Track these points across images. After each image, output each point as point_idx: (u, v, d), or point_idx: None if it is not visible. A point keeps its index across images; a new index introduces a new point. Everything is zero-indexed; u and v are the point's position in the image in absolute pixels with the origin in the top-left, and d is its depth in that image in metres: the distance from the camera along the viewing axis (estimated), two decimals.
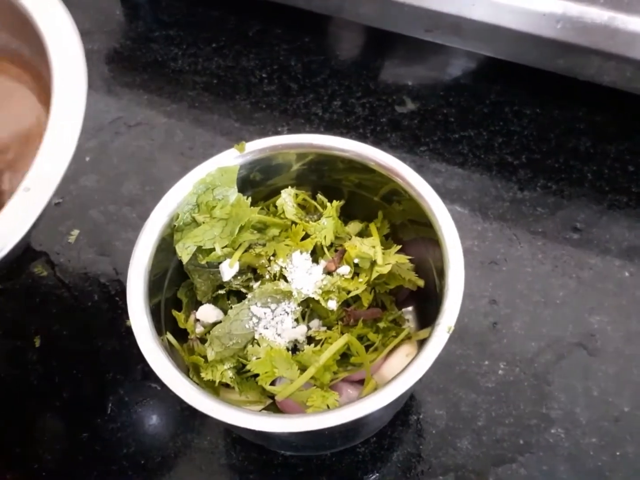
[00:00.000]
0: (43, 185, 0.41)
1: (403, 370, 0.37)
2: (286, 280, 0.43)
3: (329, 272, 0.44)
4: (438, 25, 0.60)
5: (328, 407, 0.39)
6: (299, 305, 0.42)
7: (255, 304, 0.42)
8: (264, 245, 0.44)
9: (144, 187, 0.64)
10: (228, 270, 0.43)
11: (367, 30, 0.73)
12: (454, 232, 0.41)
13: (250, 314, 0.42)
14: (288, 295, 0.42)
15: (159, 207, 0.44)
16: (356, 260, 0.43)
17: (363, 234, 0.48)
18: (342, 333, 0.42)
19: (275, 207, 0.46)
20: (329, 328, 0.43)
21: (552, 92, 0.66)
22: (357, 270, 0.44)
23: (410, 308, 0.50)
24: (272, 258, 0.44)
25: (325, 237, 0.44)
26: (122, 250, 0.61)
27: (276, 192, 0.48)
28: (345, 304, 0.44)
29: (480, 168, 0.63)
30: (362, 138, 0.65)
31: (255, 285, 0.44)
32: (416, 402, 0.51)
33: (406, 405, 0.51)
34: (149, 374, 0.52)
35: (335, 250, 0.45)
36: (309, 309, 0.43)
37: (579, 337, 0.53)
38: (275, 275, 0.43)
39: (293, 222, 0.45)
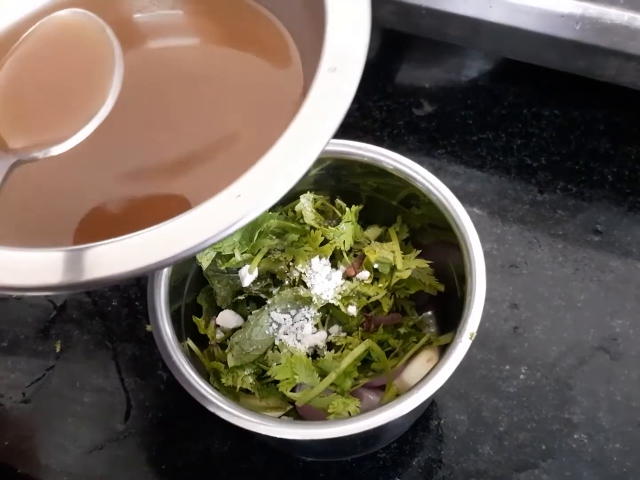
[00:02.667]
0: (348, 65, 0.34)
1: (425, 378, 0.37)
2: (305, 286, 0.43)
3: (348, 278, 0.44)
4: (455, 28, 0.59)
5: (349, 413, 0.39)
6: (318, 311, 0.42)
7: (275, 309, 0.42)
8: (283, 250, 0.44)
9: None
10: (247, 276, 0.43)
11: (384, 32, 0.73)
12: (475, 236, 0.41)
13: (270, 320, 0.42)
14: (308, 301, 0.42)
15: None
16: (376, 266, 0.43)
17: (382, 238, 0.48)
18: (362, 339, 0.42)
19: (294, 212, 0.46)
20: (349, 334, 0.43)
21: (571, 93, 0.65)
22: (376, 276, 0.44)
23: (430, 312, 0.50)
24: (291, 264, 0.44)
25: (344, 242, 0.44)
26: None
27: (295, 197, 0.48)
28: (365, 309, 0.44)
29: (499, 170, 0.62)
30: (379, 141, 0.65)
31: (275, 290, 0.44)
32: (437, 407, 0.51)
33: (427, 411, 0.51)
34: (170, 379, 0.52)
35: (355, 256, 0.45)
36: (329, 314, 0.43)
37: (601, 341, 0.53)
38: (294, 281, 0.43)
39: (312, 228, 0.45)
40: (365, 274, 0.43)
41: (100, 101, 0.34)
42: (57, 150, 0.33)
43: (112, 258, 0.30)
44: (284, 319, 0.42)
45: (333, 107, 0.34)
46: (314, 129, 0.34)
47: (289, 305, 0.42)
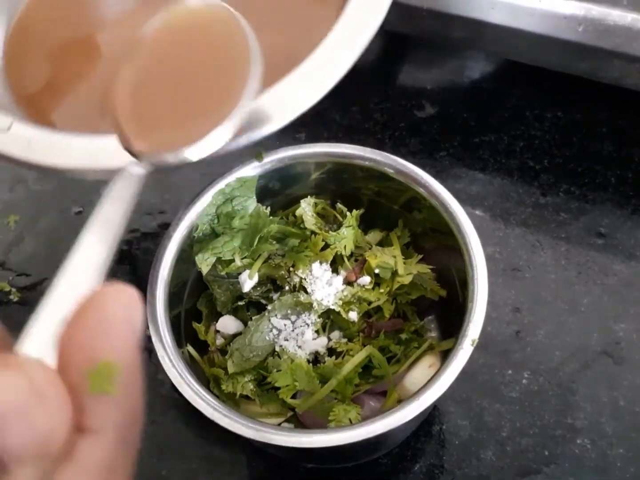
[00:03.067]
0: None
1: (427, 384, 0.36)
2: (306, 292, 0.42)
3: (349, 283, 0.44)
4: (457, 29, 0.59)
5: (350, 421, 0.38)
6: (319, 316, 0.42)
7: (275, 315, 0.42)
8: (284, 255, 0.44)
9: (163, 195, 0.64)
10: (248, 282, 0.43)
11: (385, 34, 0.72)
12: (476, 241, 0.41)
13: (271, 326, 0.42)
14: (308, 306, 0.42)
15: (177, 219, 0.44)
16: (377, 271, 0.43)
17: (383, 243, 0.47)
18: (363, 345, 0.42)
19: (295, 216, 0.46)
20: (350, 340, 0.43)
21: (573, 95, 0.65)
22: (377, 281, 0.44)
23: (432, 317, 0.49)
24: (291, 269, 0.43)
25: (345, 247, 0.44)
26: (142, 259, 0.61)
27: (295, 201, 0.47)
28: (366, 315, 0.43)
29: (501, 173, 0.62)
30: (380, 143, 0.65)
31: (275, 296, 0.44)
32: (439, 413, 0.51)
33: (429, 416, 0.50)
34: (171, 385, 0.52)
35: (356, 260, 0.45)
36: (330, 320, 0.43)
37: (604, 346, 0.52)
38: (294, 286, 0.43)
39: (313, 232, 0.45)
40: (366, 279, 0.43)
41: (235, 102, 0.31)
42: (189, 154, 0.31)
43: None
44: (285, 325, 0.42)
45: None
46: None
47: (289, 311, 0.42)
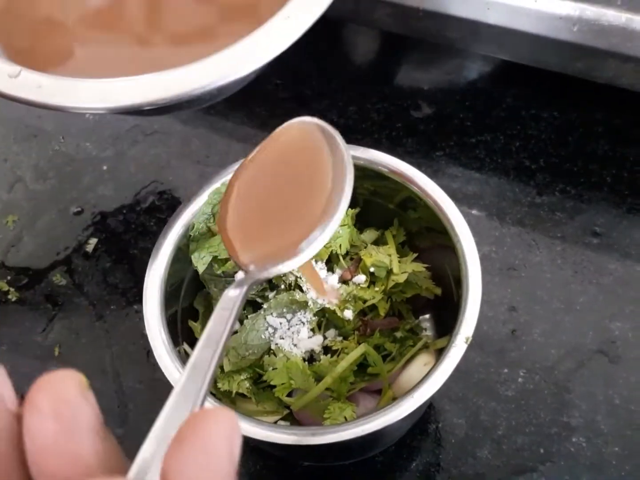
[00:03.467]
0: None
1: (421, 382, 0.37)
2: (302, 290, 0.43)
3: (344, 282, 0.44)
4: (453, 30, 0.59)
5: (345, 418, 0.38)
6: (314, 315, 0.42)
7: (271, 314, 0.42)
8: None
9: (161, 195, 0.64)
10: None
11: (382, 35, 0.73)
12: (470, 240, 0.41)
13: (266, 324, 0.42)
14: (304, 305, 0.42)
15: (174, 218, 0.44)
16: (372, 269, 0.43)
17: (379, 241, 0.47)
18: (358, 343, 0.42)
19: None
20: (345, 338, 0.43)
21: (569, 95, 0.65)
22: (373, 279, 0.44)
23: (427, 315, 0.50)
24: None
25: (340, 245, 0.44)
26: (139, 259, 0.61)
27: None
28: (361, 313, 0.44)
29: (497, 172, 0.62)
30: (377, 143, 0.65)
31: (271, 295, 0.44)
32: (435, 411, 0.51)
33: (425, 414, 0.50)
34: (169, 383, 0.52)
35: (351, 259, 0.45)
36: (325, 318, 0.43)
37: (600, 344, 0.53)
38: (290, 285, 0.43)
39: None
40: (361, 278, 0.43)
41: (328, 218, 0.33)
42: (284, 268, 0.32)
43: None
44: (280, 323, 0.42)
45: None
46: None
47: (285, 310, 0.42)
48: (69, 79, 0.42)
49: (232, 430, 0.19)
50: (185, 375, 0.24)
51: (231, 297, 0.29)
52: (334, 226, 0.32)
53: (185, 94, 0.41)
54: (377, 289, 0.43)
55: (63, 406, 0.19)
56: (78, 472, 0.18)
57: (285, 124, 0.38)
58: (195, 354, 0.25)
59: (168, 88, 0.40)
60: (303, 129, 0.37)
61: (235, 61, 0.41)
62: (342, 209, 0.33)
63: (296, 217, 0.34)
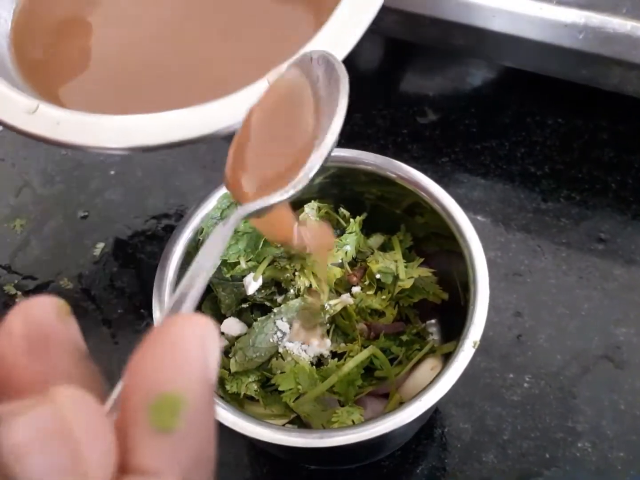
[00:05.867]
0: None
1: (428, 386, 0.37)
2: (315, 296, 0.43)
3: (350, 287, 0.44)
4: (459, 37, 0.60)
5: (353, 422, 0.39)
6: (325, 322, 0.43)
7: (281, 318, 0.42)
8: (289, 258, 0.45)
9: (168, 200, 0.65)
10: (252, 284, 0.43)
11: (387, 41, 0.73)
12: (478, 245, 0.41)
13: (275, 328, 0.42)
14: (317, 311, 0.42)
15: (183, 222, 0.44)
16: (378, 276, 0.43)
17: (386, 246, 0.48)
18: (363, 347, 0.42)
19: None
20: (351, 342, 0.43)
21: (574, 101, 0.66)
22: (380, 285, 0.44)
23: (434, 320, 0.50)
24: (297, 272, 0.44)
25: (347, 252, 0.44)
26: (147, 263, 0.61)
27: (299, 205, 0.48)
28: (367, 316, 0.44)
29: (502, 179, 0.63)
30: (383, 149, 0.65)
31: (280, 299, 0.44)
32: (441, 416, 0.51)
33: (431, 419, 0.51)
34: None
35: (358, 264, 0.45)
36: (333, 324, 0.43)
37: (605, 350, 0.53)
38: (299, 290, 0.43)
39: None
40: (357, 289, 0.44)
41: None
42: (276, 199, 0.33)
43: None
44: (289, 328, 0.42)
45: None
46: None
47: (295, 315, 0.42)
48: (89, 115, 0.41)
49: (206, 335, 0.18)
50: (171, 304, 0.24)
51: (221, 231, 0.30)
52: (318, 163, 0.33)
53: (212, 134, 0.39)
54: (384, 296, 0.44)
55: (36, 328, 0.19)
56: (43, 388, 0.17)
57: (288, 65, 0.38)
58: (183, 283, 0.25)
59: (193, 127, 0.39)
60: (302, 67, 0.37)
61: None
62: (328, 143, 0.34)
63: (289, 153, 0.35)
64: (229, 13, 0.53)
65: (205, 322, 0.18)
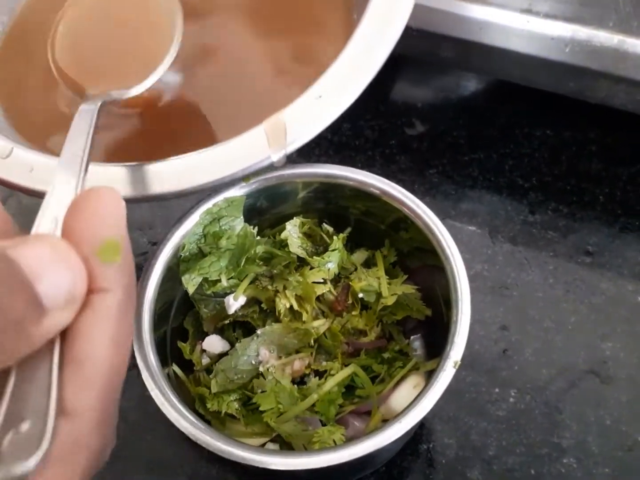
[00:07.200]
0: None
1: (410, 405, 0.37)
2: (300, 319, 0.42)
3: (337, 314, 0.44)
4: (446, 49, 0.60)
5: (334, 442, 0.38)
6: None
7: (264, 340, 0.42)
8: (271, 277, 0.44)
9: (154, 212, 0.64)
10: (233, 304, 0.43)
11: None
12: (460, 263, 0.41)
13: (257, 351, 0.42)
14: (302, 335, 0.42)
15: (165, 238, 0.44)
16: (361, 295, 0.43)
17: (370, 262, 0.48)
18: (344, 365, 0.42)
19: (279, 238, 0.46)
20: (332, 360, 0.43)
21: (562, 113, 0.65)
22: (364, 304, 0.44)
23: (417, 335, 0.49)
24: (278, 293, 0.43)
25: (329, 270, 0.44)
26: None
27: (283, 220, 0.48)
28: (347, 333, 0.44)
29: (490, 191, 0.62)
30: (370, 161, 0.65)
31: (258, 316, 0.44)
32: (426, 431, 0.51)
33: (415, 434, 0.50)
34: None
35: (342, 280, 0.45)
36: (316, 343, 0.43)
37: (591, 364, 0.53)
38: (279, 312, 0.43)
39: (298, 257, 0.45)
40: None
41: (165, 49, 0.39)
42: (132, 92, 0.38)
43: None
44: (272, 350, 0.42)
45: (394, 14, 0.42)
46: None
47: (278, 337, 0.42)
48: None
49: (116, 195, 0.24)
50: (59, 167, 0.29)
51: (87, 110, 0.34)
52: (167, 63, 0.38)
53: (209, 184, 0.39)
54: (368, 318, 0.43)
55: None
56: None
57: None
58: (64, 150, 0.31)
59: (180, 179, 0.38)
60: None
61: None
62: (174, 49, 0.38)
63: (135, 51, 0.39)
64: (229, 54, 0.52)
65: (112, 190, 0.24)
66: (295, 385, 0.41)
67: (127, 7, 0.40)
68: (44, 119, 0.47)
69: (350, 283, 0.43)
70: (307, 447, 0.40)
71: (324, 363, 0.42)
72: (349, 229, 0.48)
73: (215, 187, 0.40)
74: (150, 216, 0.64)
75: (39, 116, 0.48)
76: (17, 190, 0.40)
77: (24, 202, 0.66)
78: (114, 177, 0.39)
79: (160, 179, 0.39)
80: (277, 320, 0.43)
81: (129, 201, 0.38)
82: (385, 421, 0.39)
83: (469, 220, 0.61)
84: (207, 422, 0.41)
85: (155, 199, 0.39)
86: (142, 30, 0.40)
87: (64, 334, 0.23)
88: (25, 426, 0.21)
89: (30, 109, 0.48)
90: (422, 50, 0.62)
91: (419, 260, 0.46)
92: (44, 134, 0.46)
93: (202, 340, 0.45)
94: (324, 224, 0.48)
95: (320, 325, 0.42)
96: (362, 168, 0.46)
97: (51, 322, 0.21)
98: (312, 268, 0.44)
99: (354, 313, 0.43)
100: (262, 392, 0.40)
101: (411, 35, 0.59)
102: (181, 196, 0.39)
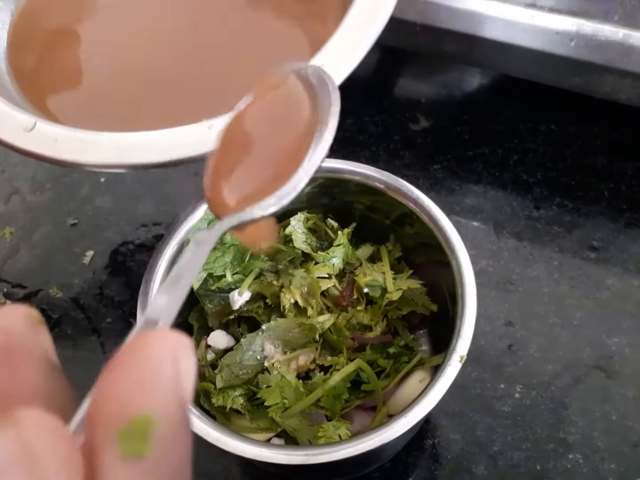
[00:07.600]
0: None
1: (416, 400, 0.37)
2: (306, 314, 0.42)
3: (342, 309, 0.44)
4: (450, 44, 0.59)
5: (340, 437, 0.38)
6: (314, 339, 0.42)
7: (269, 335, 0.42)
8: (276, 272, 0.44)
9: (159, 207, 0.64)
10: (238, 299, 0.43)
11: (380, 48, 0.73)
12: (466, 258, 0.41)
13: (262, 346, 0.42)
14: (307, 330, 0.42)
15: (169, 233, 0.44)
16: (366, 290, 0.43)
17: (374, 257, 0.47)
18: (350, 360, 0.42)
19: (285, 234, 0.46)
20: (337, 355, 0.43)
21: (567, 108, 0.65)
22: (369, 298, 0.44)
23: (423, 331, 0.49)
24: (283, 289, 0.43)
25: (334, 265, 0.44)
26: (136, 272, 0.61)
27: (288, 215, 0.47)
28: (352, 328, 0.43)
29: (495, 186, 0.62)
30: (375, 156, 0.65)
31: (264, 311, 0.44)
32: (431, 427, 0.51)
33: (421, 430, 0.50)
34: None
35: (346, 275, 0.45)
36: (321, 339, 0.43)
37: (597, 360, 0.52)
38: (284, 308, 0.42)
39: (303, 253, 0.45)
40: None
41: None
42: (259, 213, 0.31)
43: None
44: (277, 345, 0.42)
45: None
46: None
47: (283, 333, 0.42)
48: (87, 132, 0.40)
49: (179, 352, 0.17)
50: (142, 320, 0.22)
51: (204, 238, 0.27)
52: (304, 179, 0.32)
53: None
54: (373, 312, 0.43)
55: (2, 337, 0.18)
56: (6, 402, 0.17)
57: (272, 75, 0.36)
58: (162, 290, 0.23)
59: (191, 145, 0.38)
60: (296, 77, 0.36)
61: None
62: (317, 159, 0.32)
63: (274, 166, 0.33)
64: (228, 26, 0.53)
65: (178, 338, 0.17)
66: (301, 381, 0.41)
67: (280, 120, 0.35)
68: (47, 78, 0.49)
69: (355, 278, 0.43)
70: (312, 442, 0.39)
71: (329, 358, 0.42)
72: (353, 224, 0.47)
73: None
74: (155, 212, 0.64)
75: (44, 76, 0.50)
76: (44, 161, 0.41)
77: (27, 199, 0.66)
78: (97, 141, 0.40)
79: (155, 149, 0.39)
80: (282, 315, 0.43)
81: (110, 167, 0.39)
82: (391, 416, 0.39)
83: (474, 215, 0.61)
84: (212, 417, 0.41)
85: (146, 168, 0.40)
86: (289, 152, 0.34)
87: None
88: None
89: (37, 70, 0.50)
90: (426, 45, 0.62)
91: (424, 256, 0.46)
92: (44, 93, 0.47)
93: (207, 335, 0.45)
94: (328, 219, 0.48)
95: (325, 320, 0.42)
96: (366, 163, 0.46)
97: None
98: (316, 263, 0.44)
99: (359, 308, 0.43)
100: (267, 387, 0.40)
101: (415, 31, 0.59)
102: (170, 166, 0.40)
